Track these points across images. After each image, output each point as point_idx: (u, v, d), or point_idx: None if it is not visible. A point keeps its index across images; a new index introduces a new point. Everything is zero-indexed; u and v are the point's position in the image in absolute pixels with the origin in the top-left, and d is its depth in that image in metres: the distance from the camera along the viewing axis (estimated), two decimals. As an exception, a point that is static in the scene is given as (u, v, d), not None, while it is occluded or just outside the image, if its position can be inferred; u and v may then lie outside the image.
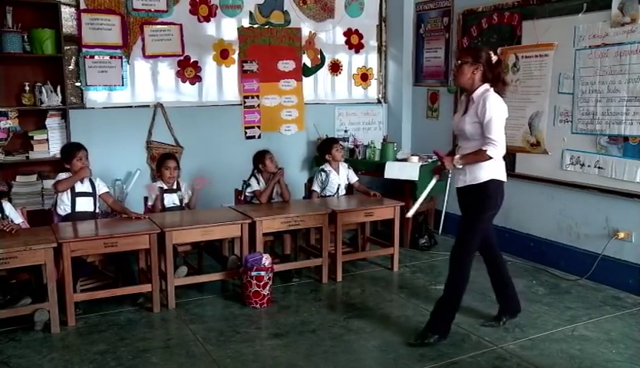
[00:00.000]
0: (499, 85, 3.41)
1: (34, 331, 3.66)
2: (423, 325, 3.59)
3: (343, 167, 5.23)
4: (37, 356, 3.36)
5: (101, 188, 4.34)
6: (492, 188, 3.39)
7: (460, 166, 3.37)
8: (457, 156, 3.37)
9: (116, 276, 4.26)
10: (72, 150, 4.24)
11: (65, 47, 4.90)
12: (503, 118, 3.34)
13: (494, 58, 3.41)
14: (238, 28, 5.79)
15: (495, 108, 3.29)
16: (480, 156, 3.31)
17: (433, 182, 3.57)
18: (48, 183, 4.74)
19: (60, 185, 4.13)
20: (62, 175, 4.19)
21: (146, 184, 4.61)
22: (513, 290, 3.80)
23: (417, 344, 3.46)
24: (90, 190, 4.28)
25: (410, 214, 3.69)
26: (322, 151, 5.22)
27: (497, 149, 3.28)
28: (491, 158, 3.29)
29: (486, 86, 3.39)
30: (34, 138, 4.83)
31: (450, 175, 3.50)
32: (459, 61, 3.43)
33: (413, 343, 3.47)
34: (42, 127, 4.86)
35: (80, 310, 3.90)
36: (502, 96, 3.39)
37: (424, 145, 6.13)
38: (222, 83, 5.79)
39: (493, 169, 3.38)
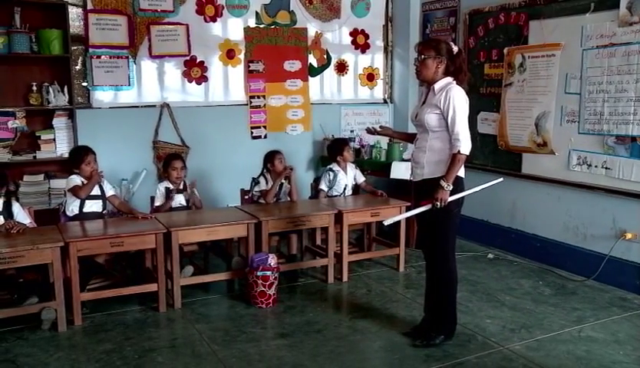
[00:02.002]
0: (461, 76, 3.35)
1: (41, 330, 3.67)
2: (423, 325, 3.60)
3: (350, 167, 5.23)
4: (44, 354, 3.38)
5: (108, 190, 4.35)
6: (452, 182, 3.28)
7: (451, 187, 3.24)
8: (443, 183, 3.21)
9: (122, 275, 4.28)
10: (81, 155, 4.24)
11: (72, 48, 4.92)
12: (466, 111, 3.29)
13: (455, 49, 3.36)
14: (244, 28, 5.80)
15: (459, 103, 3.24)
16: (456, 162, 3.23)
17: (424, 209, 3.34)
18: (55, 183, 4.77)
19: (82, 192, 4.15)
20: (76, 180, 4.18)
21: (161, 189, 4.61)
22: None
23: (422, 345, 3.45)
24: (99, 193, 4.29)
25: (387, 222, 3.50)
26: (333, 152, 5.20)
27: (466, 144, 3.22)
28: (465, 155, 3.23)
29: (449, 79, 3.34)
30: (42, 138, 4.86)
31: (442, 205, 3.26)
32: (422, 56, 3.32)
33: (418, 345, 3.47)
34: (49, 127, 4.88)
35: (87, 309, 3.92)
36: (464, 87, 3.35)
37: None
38: (228, 83, 5.80)
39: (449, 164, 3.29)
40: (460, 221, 3.46)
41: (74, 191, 4.16)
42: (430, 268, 3.55)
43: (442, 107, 3.27)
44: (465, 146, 3.22)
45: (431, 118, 3.31)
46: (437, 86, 3.34)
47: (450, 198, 3.26)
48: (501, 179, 3.75)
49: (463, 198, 3.39)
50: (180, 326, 3.84)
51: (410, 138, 3.73)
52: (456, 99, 3.24)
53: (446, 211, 3.29)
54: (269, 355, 3.39)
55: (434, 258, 3.48)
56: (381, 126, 3.98)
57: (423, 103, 3.43)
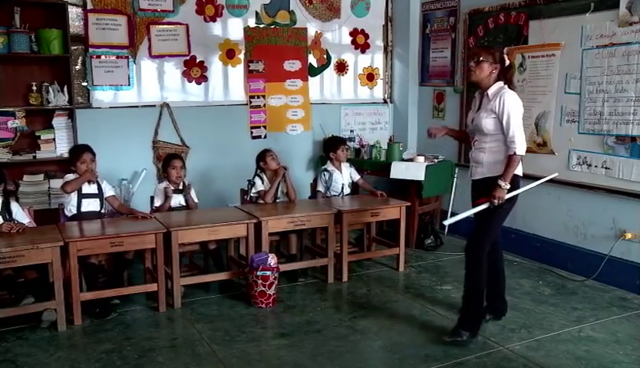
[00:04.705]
0: (511, 88, 3.51)
1: (41, 330, 3.67)
2: (455, 323, 3.62)
3: (345, 166, 5.24)
4: (44, 354, 3.38)
5: (107, 191, 4.36)
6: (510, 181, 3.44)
7: (509, 186, 3.41)
8: (501, 182, 3.39)
9: (121, 275, 4.27)
10: (78, 153, 4.27)
11: (72, 47, 4.91)
12: (521, 114, 3.46)
13: (507, 61, 3.53)
14: (244, 28, 5.80)
15: (513, 106, 3.41)
16: (512, 163, 3.41)
17: (483, 207, 3.47)
18: (55, 183, 4.76)
19: (68, 187, 4.15)
20: (70, 177, 4.21)
21: (159, 188, 4.61)
22: (503, 291, 3.85)
23: (449, 342, 3.47)
24: (97, 191, 4.30)
25: (447, 222, 3.65)
26: (328, 148, 5.24)
27: (522, 145, 3.41)
28: (520, 155, 3.41)
29: (501, 83, 3.49)
30: (41, 138, 4.85)
31: (499, 202, 3.42)
32: (480, 58, 3.47)
33: (447, 341, 3.48)
34: (49, 127, 4.88)
35: (115, 313, 3.93)
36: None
37: (430, 145, 6.12)
38: (228, 83, 5.80)
39: None
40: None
41: (63, 186, 4.18)
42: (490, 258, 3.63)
43: (497, 112, 3.43)
44: (520, 148, 3.40)
45: (488, 122, 3.48)
46: (491, 91, 3.49)
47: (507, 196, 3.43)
48: (556, 174, 4.01)
49: (516, 195, 3.54)
50: (180, 326, 3.84)
51: (463, 135, 3.97)
52: (511, 103, 3.40)
53: (498, 205, 3.45)
54: (269, 355, 3.39)
55: (467, 251, 3.58)
56: (434, 128, 3.90)
57: (478, 108, 3.57)
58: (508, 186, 3.41)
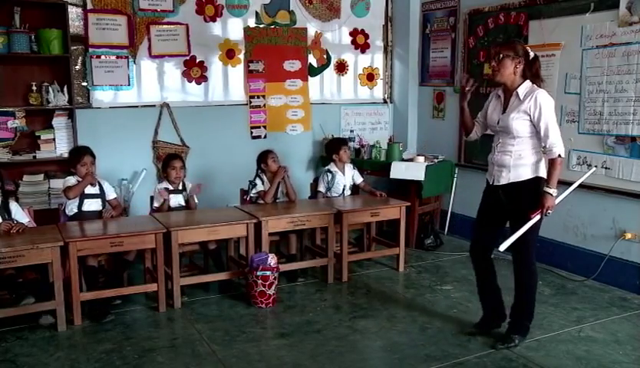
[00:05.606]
0: (538, 82, 3.34)
1: (41, 330, 3.68)
2: (505, 329, 3.57)
3: (348, 168, 5.23)
4: (44, 354, 3.38)
5: (109, 193, 4.36)
6: (538, 184, 3.31)
7: (556, 192, 3.28)
8: (548, 189, 3.24)
9: (121, 275, 4.28)
10: (78, 155, 4.26)
11: (72, 47, 4.91)
12: (554, 114, 3.31)
13: (531, 54, 3.35)
14: (244, 28, 5.80)
15: (549, 109, 3.25)
16: (556, 166, 3.26)
17: (535, 220, 3.29)
18: (55, 183, 4.76)
19: (70, 193, 4.14)
20: (71, 181, 4.20)
21: (157, 189, 4.61)
22: (500, 297, 3.67)
23: (503, 348, 3.42)
24: (99, 192, 4.30)
25: (502, 247, 3.35)
26: (330, 150, 5.23)
27: (562, 147, 3.28)
28: (562, 157, 3.28)
29: (529, 82, 3.32)
30: (41, 138, 4.85)
31: (550, 213, 3.30)
32: (500, 55, 3.30)
33: (500, 348, 3.43)
34: (49, 127, 4.88)
35: (112, 315, 3.91)
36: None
37: (430, 145, 6.13)
38: (228, 83, 5.79)
39: (536, 167, 3.34)
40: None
41: (64, 191, 4.17)
42: (482, 256, 3.62)
43: (532, 114, 3.26)
44: (562, 150, 3.27)
45: (519, 124, 3.30)
46: (521, 91, 3.31)
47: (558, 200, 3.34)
48: (594, 169, 4.06)
49: None
50: (180, 326, 3.84)
51: (469, 121, 3.65)
52: (547, 105, 3.24)
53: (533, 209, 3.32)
54: (269, 355, 3.39)
55: (518, 259, 3.46)
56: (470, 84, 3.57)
57: (505, 109, 3.38)
58: (556, 192, 3.27)
